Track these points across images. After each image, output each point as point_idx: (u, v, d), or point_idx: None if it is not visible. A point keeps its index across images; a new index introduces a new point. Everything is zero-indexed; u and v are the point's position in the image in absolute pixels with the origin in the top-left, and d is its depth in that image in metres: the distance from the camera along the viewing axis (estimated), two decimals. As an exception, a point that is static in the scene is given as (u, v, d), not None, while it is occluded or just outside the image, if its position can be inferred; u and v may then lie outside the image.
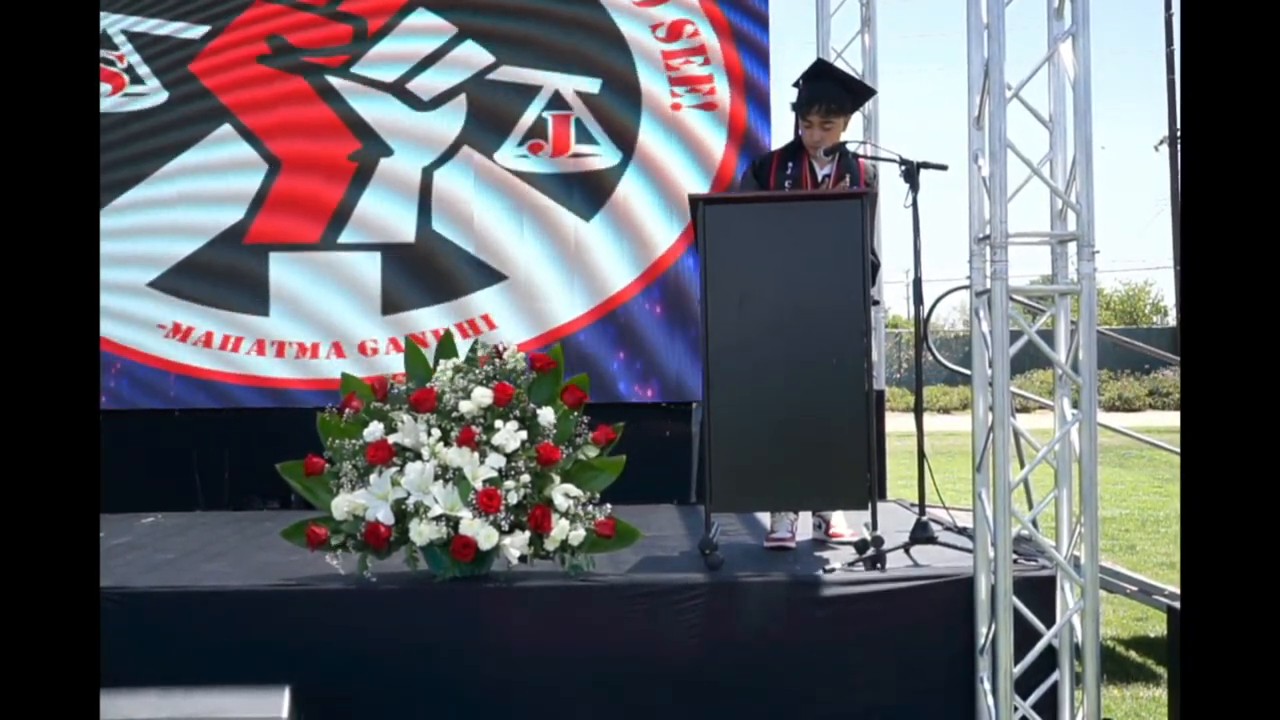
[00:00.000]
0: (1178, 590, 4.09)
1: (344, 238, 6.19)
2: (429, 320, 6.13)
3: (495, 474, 3.59)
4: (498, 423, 3.65)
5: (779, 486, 3.85)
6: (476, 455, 3.61)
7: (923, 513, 4.04)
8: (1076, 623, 3.44)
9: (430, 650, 3.59)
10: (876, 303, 4.54)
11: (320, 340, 6.15)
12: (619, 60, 6.21)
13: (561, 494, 3.64)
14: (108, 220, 5.87)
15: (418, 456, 3.63)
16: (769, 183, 4.36)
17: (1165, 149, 28.02)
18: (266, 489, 5.94)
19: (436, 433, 3.66)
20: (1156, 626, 5.19)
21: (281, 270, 6.17)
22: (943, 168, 4.16)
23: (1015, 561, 3.47)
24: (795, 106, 4.33)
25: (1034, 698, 3.44)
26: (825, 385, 3.76)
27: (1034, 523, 3.69)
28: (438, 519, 3.52)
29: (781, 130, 6.14)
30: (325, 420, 3.81)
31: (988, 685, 3.48)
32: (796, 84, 4.35)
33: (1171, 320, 35.26)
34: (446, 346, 3.93)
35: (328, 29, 6.27)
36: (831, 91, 4.28)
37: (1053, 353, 3.61)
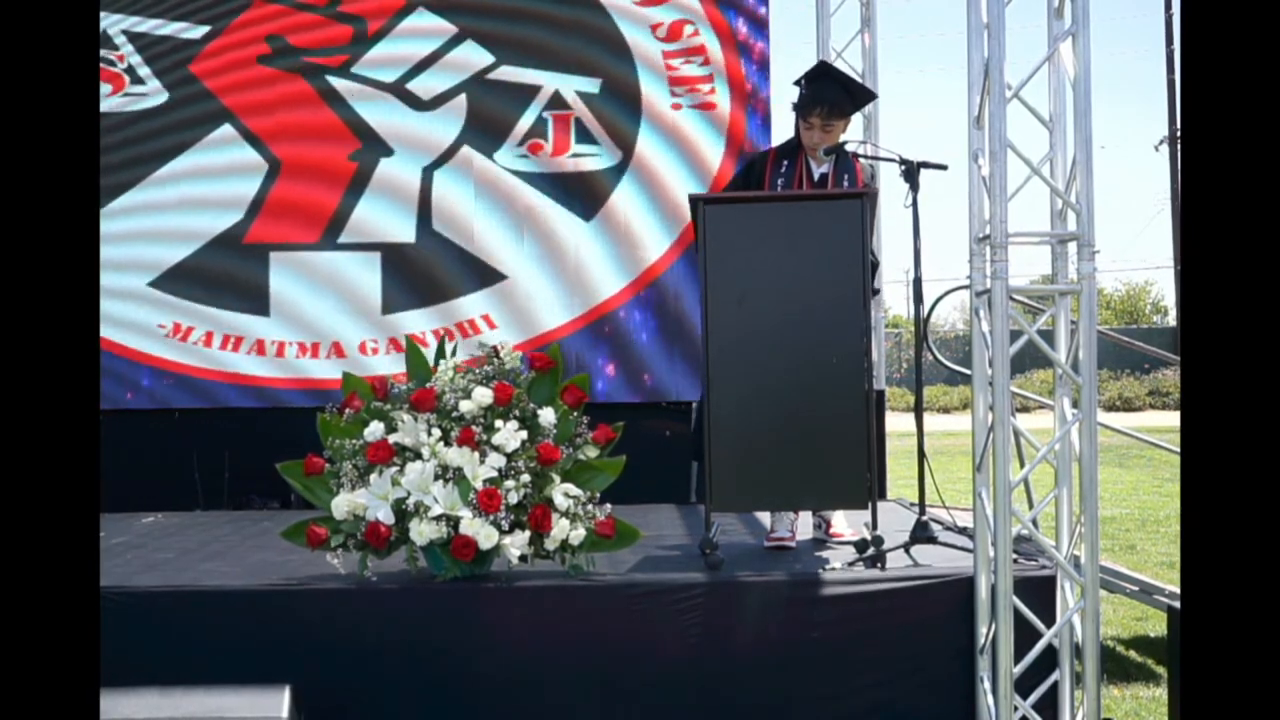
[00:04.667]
0: (1178, 590, 4.09)
1: (344, 238, 6.19)
2: (429, 320, 6.14)
3: (495, 474, 3.59)
4: (498, 422, 3.65)
5: (779, 486, 3.85)
6: (476, 455, 3.61)
7: (923, 512, 4.04)
8: (1076, 622, 3.44)
9: (430, 650, 3.59)
10: (878, 291, 4.52)
11: (320, 340, 6.16)
12: (619, 61, 6.21)
13: (561, 494, 3.64)
14: (108, 221, 5.87)
15: (418, 456, 3.63)
16: (763, 180, 4.35)
17: (1165, 149, 28.04)
18: (266, 489, 5.95)
19: (437, 432, 3.66)
20: (1156, 626, 5.19)
21: (281, 271, 6.18)
22: (943, 168, 4.16)
23: (1015, 561, 3.47)
24: (796, 107, 4.32)
25: (1034, 697, 3.44)
26: (825, 384, 3.76)
27: (1034, 522, 3.69)
28: (438, 519, 3.52)
29: (780, 130, 6.16)
30: (325, 420, 3.81)
31: (988, 685, 3.48)
32: (798, 83, 4.34)
33: (1171, 320, 35.26)
34: (440, 352, 3.93)
35: (328, 29, 6.27)
36: (833, 94, 4.27)
37: (1053, 353, 3.61)
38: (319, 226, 6.19)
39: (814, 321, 3.78)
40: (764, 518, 4.52)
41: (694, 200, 3.98)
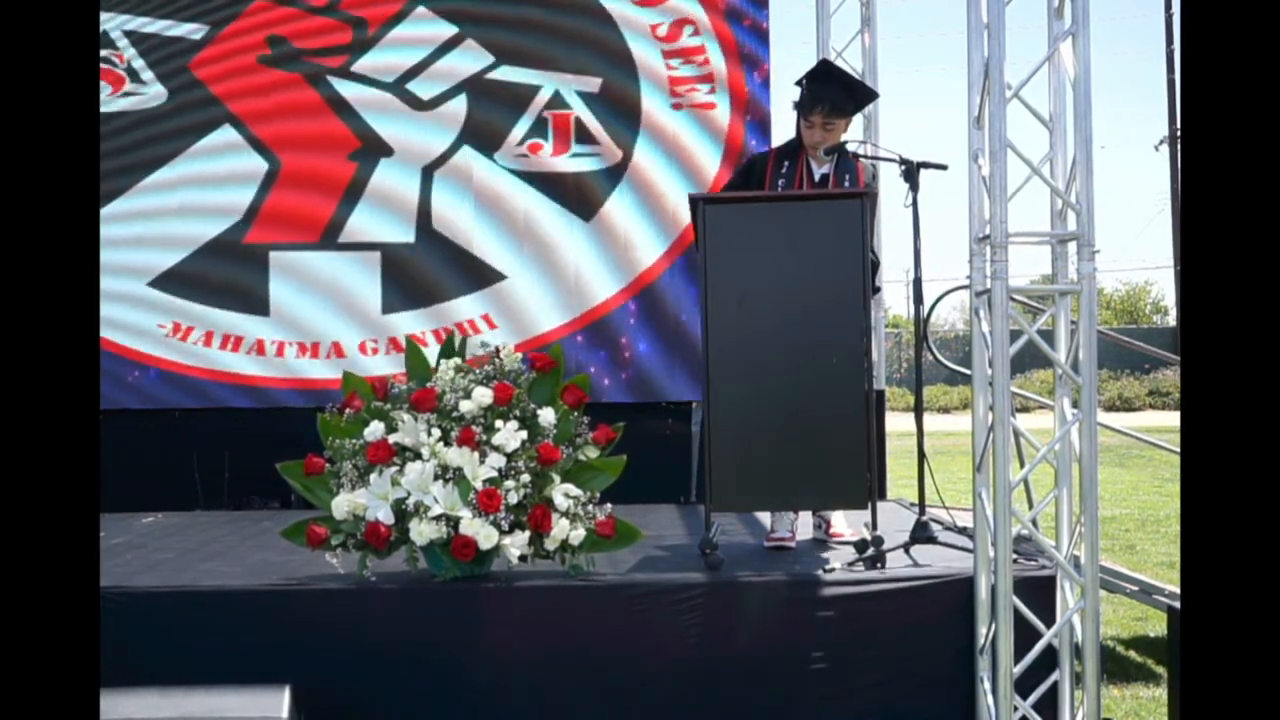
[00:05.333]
0: (1178, 590, 4.09)
1: (344, 238, 6.19)
2: (429, 320, 6.14)
3: (495, 474, 3.59)
4: (498, 423, 3.65)
5: (779, 486, 3.85)
6: (476, 455, 3.61)
7: (923, 513, 4.04)
8: (1076, 622, 3.44)
9: (430, 650, 3.59)
10: (878, 290, 4.53)
11: (320, 340, 6.15)
12: (618, 60, 6.21)
13: (561, 494, 3.64)
14: (108, 220, 5.86)
15: (418, 456, 3.63)
16: (764, 180, 4.35)
17: (1165, 149, 28.05)
18: (266, 489, 5.94)
19: (437, 432, 3.66)
20: (1156, 626, 5.19)
21: (281, 271, 6.17)
22: (943, 167, 4.16)
23: (1015, 561, 3.47)
24: (797, 106, 4.31)
25: (1034, 697, 3.44)
26: (825, 384, 3.76)
27: (1034, 523, 3.69)
28: (438, 519, 3.52)
29: (780, 130, 6.16)
30: (325, 420, 3.81)
31: (988, 685, 3.48)
32: (799, 83, 4.34)
33: (1171, 320, 35.26)
34: (450, 347, 3.93)
35: (328, 30, 6.27)
36: (835, 93, 4.26)
37: (1053, 353, 3.61)
38: (318, 227, 6.19)
39: (814, 321, 3.78)
40: (764, 518, 4.52)
41: (694, 200, 3.98)
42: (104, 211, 5.93)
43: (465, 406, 3.66)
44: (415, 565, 3.65)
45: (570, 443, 3.74)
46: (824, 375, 3.76)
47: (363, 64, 6.25)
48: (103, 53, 6.14)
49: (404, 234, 6.19)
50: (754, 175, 4.41)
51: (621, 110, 6.19)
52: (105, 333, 5.95)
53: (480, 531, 3.50)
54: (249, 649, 3.56)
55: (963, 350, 24.53)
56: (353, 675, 3.57)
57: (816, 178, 4.32)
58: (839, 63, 6.08)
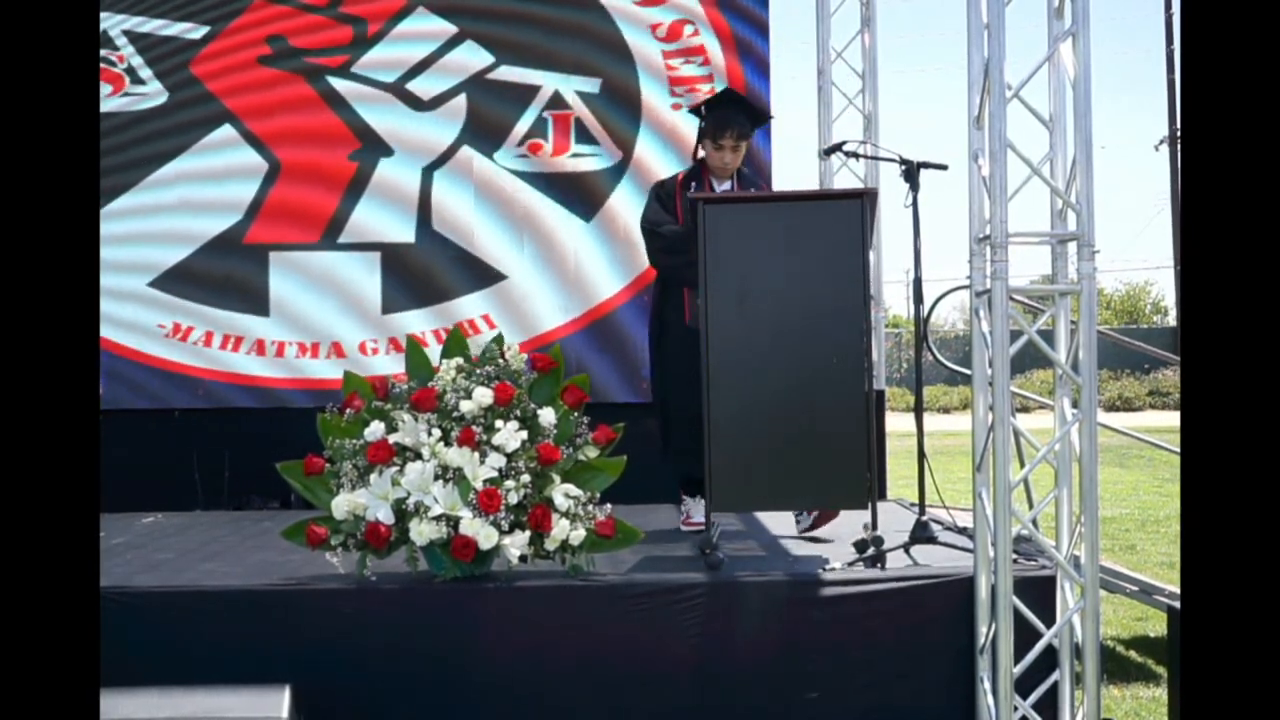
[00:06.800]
0: (1178, 590, 4.09)
1: (344, 238, 6.19)
2: (429, 320, 6.14)
3: (495, 474, 3.59)
4: (498, 423, 3.65)
5: (779, 486, 3.85)
6: (477, 455, 3.61)
7: (923, 512, 4.05)
8: (1076, 622, 3.44)
9: (430, 650, 3.59)
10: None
11: (320, 340, 6.16)
12: (618, 61, 6.22)
13: (562, 494, 3.64)
14: (108, 221, 5.86)
15: (418, 456, 3.63)
16: (675, 202, 4.53)
17: (1165, 149, 28.04)
18: (266, 489, 5.95)
19: (437, 432, 3.66)
20: (1156, 626, 5.19)
21: (281, 271, 6.18)
22: (943, 167, 4.17)
23: (1015, 561, 3.47)
24: (707, 131, 4.49)
25: (1034, 697, 3.44)
26: (825, 385, 3.76)
27: (1034, 522, 3.69)
28: (438, 519, 3.52)
29: (778, 128, 6.14)
30: (326, 420, 3.81)
31: (988, 685, 3.48)
32: (696, 110, 4.58)
33: (1171, 320, 35.26)
34: (455, 343, 3.93)
35: (328, 30, 6.27)
36: (740, 118, 4.48)
37: (1053, 353, 3.61)
38: (319, 227, 6.19)
39: (814, 322, 3.78)
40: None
41: (693, 200, 3.99)
42: (104, 211, 5.93)
43: (465, 406, 3.66)
44: (415, 565, 3.65)
45: (570, 443, 3.74)
46: (824, 375, 3.76)
47: (363, 63, 6.25)
48: (103, 53, 6.14)
49: (404, 234, 6.19)
50: (666, 198, 4.58)
51: (622, 109, 6.19)
52: (105, 332, 5.95)
53: (480, 531, 3.50)
54: (249, 649, 3.56)
55: (963, 350, 24.54)
56: (353, 675, 3.57)
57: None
58: (839, 64, 6.26)
